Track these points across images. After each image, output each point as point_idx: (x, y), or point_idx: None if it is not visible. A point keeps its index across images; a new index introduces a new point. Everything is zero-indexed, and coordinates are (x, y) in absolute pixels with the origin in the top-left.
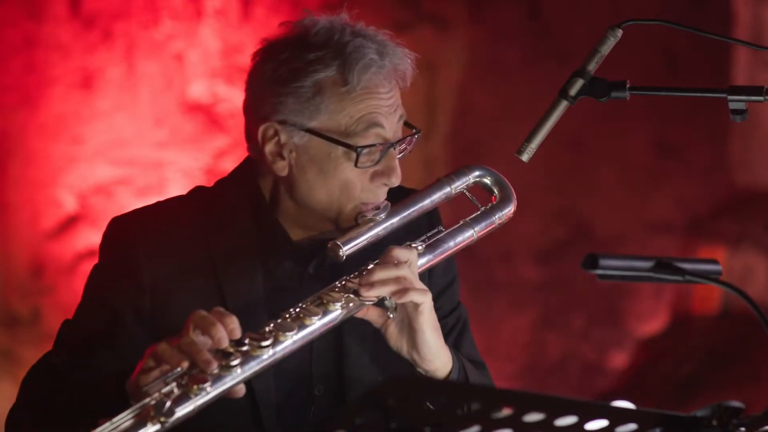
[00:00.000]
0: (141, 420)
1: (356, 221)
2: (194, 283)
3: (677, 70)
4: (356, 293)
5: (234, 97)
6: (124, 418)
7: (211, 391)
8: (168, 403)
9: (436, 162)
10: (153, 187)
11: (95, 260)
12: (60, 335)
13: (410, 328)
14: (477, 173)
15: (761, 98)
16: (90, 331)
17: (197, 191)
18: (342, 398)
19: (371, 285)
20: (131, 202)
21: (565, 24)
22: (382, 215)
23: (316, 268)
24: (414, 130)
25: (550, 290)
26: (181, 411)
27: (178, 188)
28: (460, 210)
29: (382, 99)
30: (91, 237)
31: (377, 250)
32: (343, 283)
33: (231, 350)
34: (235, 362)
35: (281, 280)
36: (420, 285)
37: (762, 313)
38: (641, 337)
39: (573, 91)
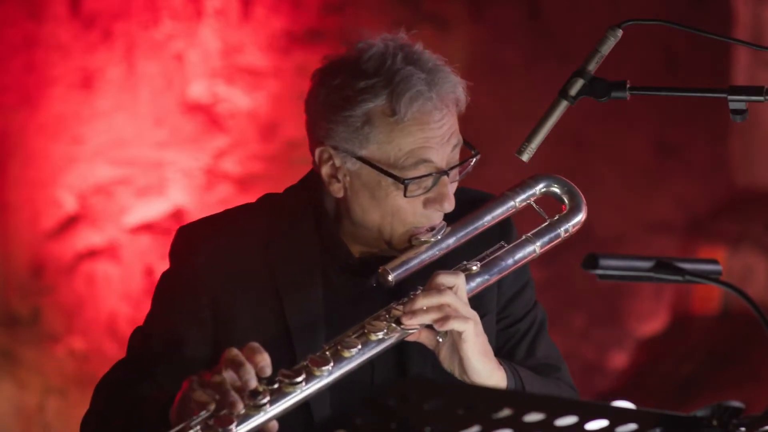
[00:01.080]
0: None
1: (410, 242)
2: (255, 296)
3: (677, 70)
4: (398, 322)
5: (234, 97)
6: None
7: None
8: None
9: None
10: (153, 187)
11: (95, 260)
12: (130, 343)
13: (458, 355)
14: (544, 183)
15: (761, 98)
16: (155, 343)
17: (266, 199)
18: None
19: (413, 313)
20: (131, 202)
21: (565, 24)
22: (438, 236)
23: (377, 282)
24: (473, 152)
25: (550, 290)
26: None
27: (178, 188)
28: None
29: (432, 130)
30: (91, 237)
31: (438, 269)
32: (389, 310)
33: (261, 389)
34: (263, 401)
35: (341, 294)
36: (464, 311)
37: (762, 313)
38: (641, 337)
39: (573, 91)
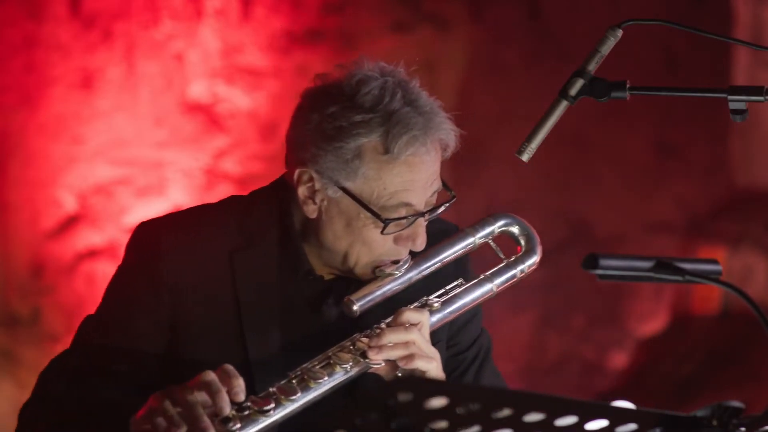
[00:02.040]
0: None
1: (374, 273)
2: (214, 301)
3: (677, 70)
4: (364, 355)
5: (234, 97)
6: None
7: None
8: None
9: None
10: (153, 187)
11: (95, 260)
12: (79, 333)
13: None
14: (502, 222)
15: (761, 98)
16: (111, 335)
17: (231, 201)
18: None
19: (380, 349)
20: (131, 202)
21: (565, 24)
22: (402, 269)
23: (335, 301)
24: (451, 194)
25: (550, 290)
26: None
27: (178, 188)
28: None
29: (419, 173)
30: (91, 237)
31: (398, 302)
32: (354, 341)
33: (231, 414)
34: (234, 427)
35: (298, 304)
36: (429, 351)
37: (762, 313)
38: (641, 337)
39: (573, 91)
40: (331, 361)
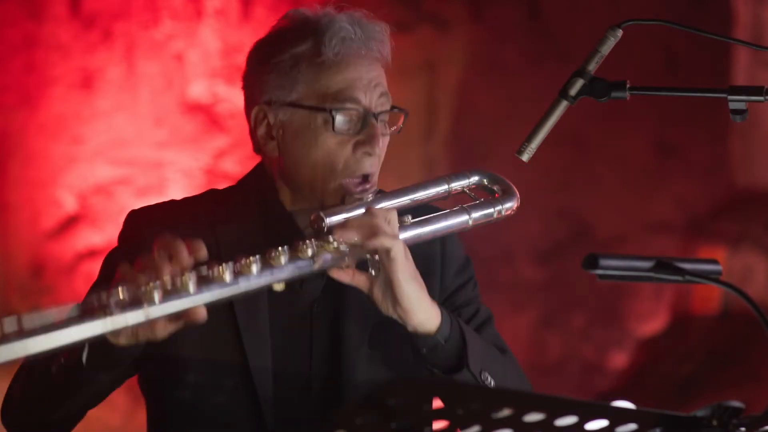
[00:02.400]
0: (88, 315)
1: (342, 201)
2: None
3: (677, 70)
4: (328, 241)
5: (234, 97)
6: (70, 311)
7: (161, 304)
8: (114, 301)
9: (437, 162)
10: (153, 187)
11: (95, 260)
12: None
13: (388, 281)
14: (477, 176)
15: (761, 98)
16: None
17: (209, 192)
18: (339, 398)
19: (344, 228)
20: (131, 202)
21: (565, 24)
22: (369, 194)
23: (312, 229)
24: (395, 109)
25: (550, 290)
26: (129, 314)
27: (178, 188)
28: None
29: (357, 70)
30: (91, 237)
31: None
32: (320, 236)
33: (190, 271)
34: (191, 282)
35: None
36: (393, 233)
37: (762, 313)
38: (641, 337)
39: (573, 91)
40: (296, 247)
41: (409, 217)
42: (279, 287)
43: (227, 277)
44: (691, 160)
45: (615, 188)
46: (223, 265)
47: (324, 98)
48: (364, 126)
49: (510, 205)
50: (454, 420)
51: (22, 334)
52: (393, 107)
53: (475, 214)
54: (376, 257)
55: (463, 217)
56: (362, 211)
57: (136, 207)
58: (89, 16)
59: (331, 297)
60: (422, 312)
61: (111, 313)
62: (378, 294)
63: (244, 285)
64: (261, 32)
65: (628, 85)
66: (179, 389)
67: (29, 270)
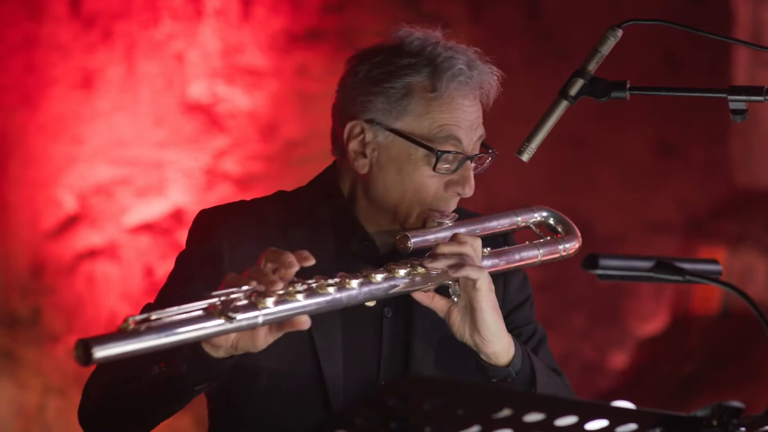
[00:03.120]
0: (209, 314)
1: (423, 225)
2: None
3: (677, 70)
4: (421, 265)
5: (234, 97)
6: (192, 309)
7: (274, 309)
8: (236, 304)
9: None
10: (153, 187)
11: (95, 260)
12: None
13: (470, 308)
14: (544, 213)
15: (761, 98)
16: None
17: (279, 193)
18: None
19: (434, 257)
20: (131, 202)
21: (565, 24)
22: (451, 223)
23: (395, 248)
24: (490, 151)
25: (550, 290)
26: (246, 315)
27: (178, 188)
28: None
29: (465, 112)
30: (91, 237)
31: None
32: (410, 260)
33: (297, 282)
34: (300, 288)
35: (355, 272)
36: (480, 264)
37: (762, 313)
38: (641, 337)
39: (573, 91)
40: (390, 268)
41: (488, 249)
42: (371, 304)
43: (331, 289)
44: (691, 160)
45: (615, 188)
46: (327, 278)
47: (429, 133)
48: (460, 167)
49: (572, 245)
50: (454, 420)
51: (153, 329)
52: (485, 146)
53: (543, 251)
54: (457, 284)
55: (533, 253)
56: (447, 234)
57: (137, 207)
58: (89, 16)
59: (401, 303)
60: (499, 343)
61: (232, 313)
62: (456, 319)
63: (346, 298)
64: (261, 32)
65: (628, 85)
66: (251, 394)
67: (29, 270)
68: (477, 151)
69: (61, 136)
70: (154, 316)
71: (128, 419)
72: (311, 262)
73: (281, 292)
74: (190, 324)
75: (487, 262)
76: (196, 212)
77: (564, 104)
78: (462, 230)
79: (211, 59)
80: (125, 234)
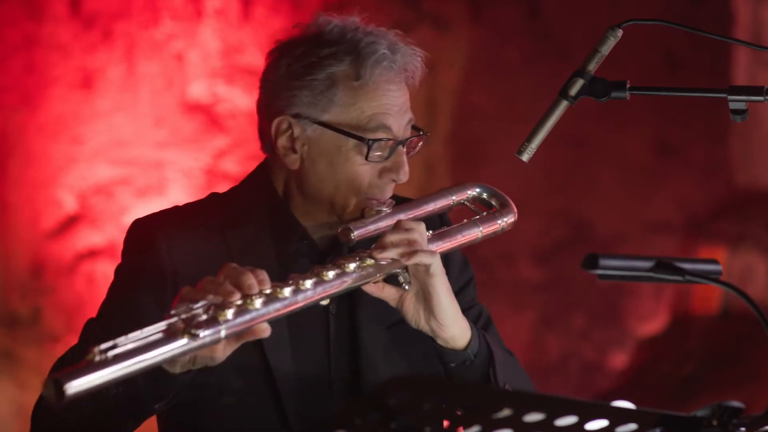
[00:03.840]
0: (173, 334)
1: (362, 215)
2: (212, 274)
3: (677, 70)
4: (370, 257)
5: (234, 97)
6: (154, 331)
7: (235, 321)
8: (197, 320)
9: (437, 162)
10: (153, 187)
11: (95, 260)
12: (84, 333)
13: (425, 294)
14: (477, 189)
15: (761, 98)
16: (114, 326)
17: (212, 196)
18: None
19: (383, 247)
20: (131, 202)
21: (565, 24)
22: (388, 210)
23: (338, 241)
24: (421, 132)
25: (550, 290)
26: (209, 330)
27: (178, 188)
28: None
29: (392, 98)
30: (91, 237)
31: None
32: (356, 252)
33: (254, 293)
34: (258, 300)
35: (295, 272)
36: (429, 248)
37: (762, 313)
38: (641, 337)
39: (573, 91)
40: (339, 263)
41: (430, 232)
42: (325, 302)
43: (287, 292)
44: (691, 160)
45: (615, 188)
46: (284, 283)
47: (358, 122)
48: (392, 153)
49: (510, 219)
50: (454, 420)
51: (120, 357)
52: (416, 128)
53: (483, 227)
54: (407, 271)
55: (474, 230)
56: (388, 222)
57: (137, 207)
58: (89, 16)
59: (344, 297)
60: (456, 326)
61: (195, 330)
62: (409, 307)
63: (302, 299)
64: (261, 32)
65: (628, 85)
66: (201, 391)
67: (29, 270)
68: (408, 136)
69: (61, 136)
70: (118, 343)
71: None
72: (267, 285)
73: (239, 302)
74: (156, 347)
75: (432, 245)
76: None
77: (564, 104)
78: (402, 216)
79: (211, 59)
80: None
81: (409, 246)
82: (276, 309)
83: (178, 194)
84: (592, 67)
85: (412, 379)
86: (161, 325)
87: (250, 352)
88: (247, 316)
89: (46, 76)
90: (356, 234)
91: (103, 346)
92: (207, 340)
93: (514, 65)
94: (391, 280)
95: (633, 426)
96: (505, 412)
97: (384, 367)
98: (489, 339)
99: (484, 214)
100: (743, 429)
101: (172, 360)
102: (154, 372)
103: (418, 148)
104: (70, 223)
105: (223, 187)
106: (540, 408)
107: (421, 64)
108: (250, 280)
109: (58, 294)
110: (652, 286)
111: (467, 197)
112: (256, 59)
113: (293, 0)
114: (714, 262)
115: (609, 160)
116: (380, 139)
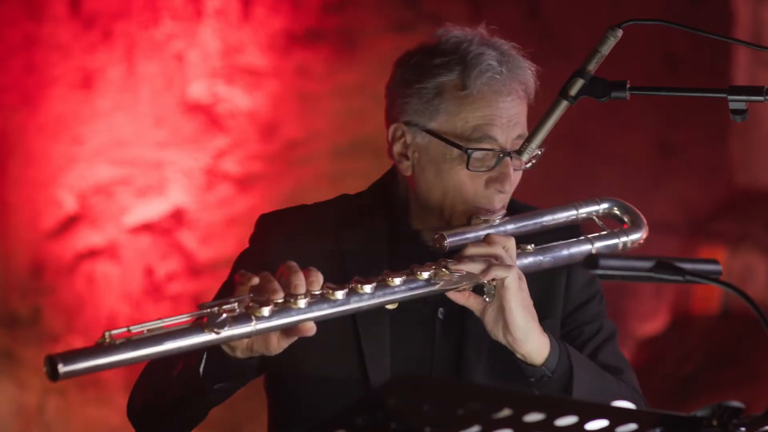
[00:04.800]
0: (196, 327)
1: (468, 222)
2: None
3: (677, 70)
4: (446, 267)
5: (234, 97)
6: (180, 320)
7: (271, 319)
8: (224, 316)
9: None
10: (153, 187)
11: (95, 260)
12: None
13: (501, 308)
14: (606, 204)
15: (761, 98)
16: None
17: (341, 198)
18: None
19: (460, 259)
20: (131, 202)
21: (565, 24)
22: (496, 219)
23: (432, 246)
24: (540, 151)
25: None
26: (235, 329)
27: (178, 188)
28: None
29: (499, 109)
30: (91, 237)
31: None
32: (438, 261)
33: (300, 293)
34: (302, 300)
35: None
36: (509, 261)
37: (762, 313)
38: (641, 337)
39: (573, 91)
40: (413, 270)
41: (532, 246)
42: (392, 306)
43: (339, 295)
44: (691, 160)
45: (615, 188)
46: (341, 285)
47: (462, 132)
48: (498, 164)
49: (637, 237)
50: (454, 420)
51: (130, 344)
52: (525, 143)
53: (599, 245)
54: (493, 283)
55: (586, 247)
56: (482, 232)
57: (137, 207)
58: (89, 16)
59: (455, 304)
60: (531, 342)
61: (218, 327)
62: (489, 319)
63: (355, 304)
64: (261, 32)
65: (628, 85)
66: (299, 398)
67: (29, 270)
68: (517, 147)
69: (61, 136)
70: (134, 330)
71: (167, 416)
72: (317, 286)
73: (280, 300)
74: (171, 338)
75: (529, 260)
76: (196, 212)
77: (564, 104)
78: (511, 227)
79: (211, 59)
80: (125, 234)
81: (487, 260)
82: (322, 310)
83: (178, 194)
84: (592, 67)
85: (412, 379)
86: (188, 316)
87: (348, 358)
88: (286, 315)
89: (46, 76)
90: (449, 241)
91: (117, 330)
92: (233, 334)
93: None
94: (478, 290)
95: (633, 426)
96: (505, 412)
97: (483, 378)
98: (575, 357)
99: (605, 232)
100: (743, 429)
101: (228, 343)
102: (215, 354)
103: (531, 164)
104: (70, 223)
105: (222, 188)
106: (540, 408)
107: (533, 77)
108: (298, 279)
109: (58, 294)
110: (652, 286)
111: (597, 211)
112: (256, 59)
113: (293, 0)
114: (714, 262)
115: (609, 160)
116: (481, 149)
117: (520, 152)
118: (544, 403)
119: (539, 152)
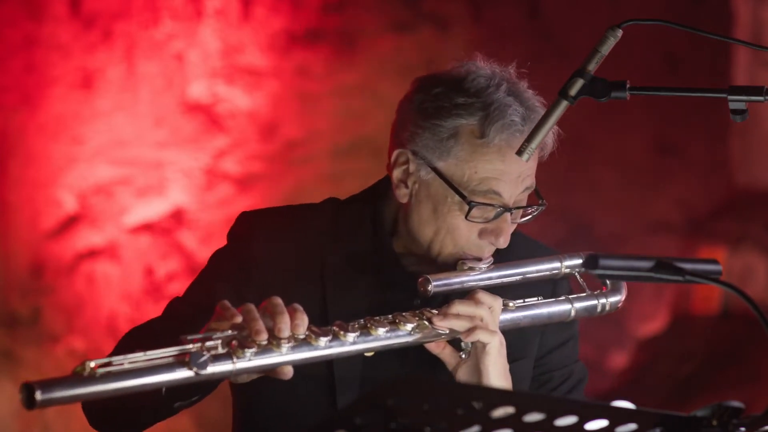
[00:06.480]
0: (177, 363)
1: (455, 267)
2: (300, 285)
3: (677, 70)
4: (430, 321)
5: (234, 97)
6: (162, 356)
7: (252, 360)
8: (206, 356)
9: None
10: (153, 187)
11: (95, 260)
12: (166, 308)
13: (476, 369)
14: None
15: (761, 98)
16: (192, 306)
17: (329, 202)
18: None
19: (445, 315)
20: (131, 202)
21: (565, 24)
22: (483, 267)
23: (423, 302)
24: (540, 202)
25: None
26: (216, 368)
27: (178, 188)
28: None
29: (511, 165)
30: (91, 237)
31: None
32: (422, 311)
33: (284, 336)
34: (285, 346)
35: (387, 303)
36: (493, 326)
37: (762, 313)
38: (641, 337)
39: (573, 91)
40: (396, 320)
41: (514, 303)
42: (369, 354)
43: (322, 342)
44: (691, 160)
45: (615, 188)
46: (325, 330)
47: (469, 181)
48: (497, 217)
49: (616, 301)
50: (454, 420)
51: (112, 375)
52: (538, 195)
53: (579, 306)
54: (470, 343)
55: (566, 308)
56: (473, 282)
57: (137, 207)
58: (89, 16)
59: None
60: None
61: (199, 368)
62: (462, 375)
63: (336, 349)
64: (261, 32)
65: (628, 85)
66: (263, 394)
67: (29, 270)
68: (521, 202)
69: (61, 136)
70: (116, 361)
71: (123, 421)
72: (302, 330)
73: (264, 343)
74: (151, 373)
75: (508, 316)
76: (196, 212)
77: (564, 104)
78: (494, 276)
79: (211, 59)
80: (125, 234)
81: (471, 322)
82: (303, 356)
83: (178, 194)
84: (592, 67)
85: (412, 379)
86: (171, 351)
87: (319, 384)
88: (267, 359)
89: (46, 76)
90: (434, 286)
91: (100, 360)
92: (214, 372)
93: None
94: (456, 342)
95: (633, 426)
96: (505, 412)
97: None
98: None
99: (586, 293)
100: (743, 429)
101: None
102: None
103: (531, 217)
104: (70, 223)
105: (222, 188)
106: (540, 408)
107: (554, 137)
108: (282, 322)
109: (58, 294)
110: (652, 286)
111: (580, 267)
112: (256, 59)
113: (293, 0)
114: (714, 262)
115: (609, 160)
116: (483, 203)
117: (520, 152)
118: (544, 403)
119: (541, 208)
